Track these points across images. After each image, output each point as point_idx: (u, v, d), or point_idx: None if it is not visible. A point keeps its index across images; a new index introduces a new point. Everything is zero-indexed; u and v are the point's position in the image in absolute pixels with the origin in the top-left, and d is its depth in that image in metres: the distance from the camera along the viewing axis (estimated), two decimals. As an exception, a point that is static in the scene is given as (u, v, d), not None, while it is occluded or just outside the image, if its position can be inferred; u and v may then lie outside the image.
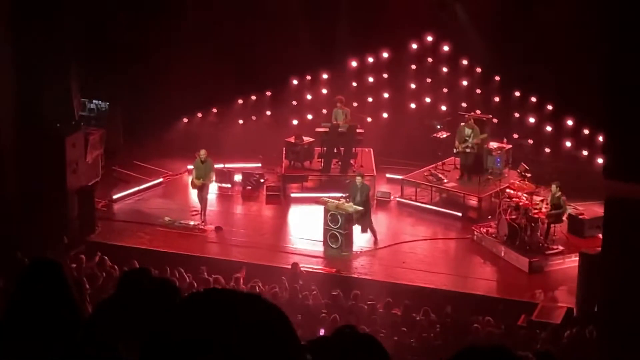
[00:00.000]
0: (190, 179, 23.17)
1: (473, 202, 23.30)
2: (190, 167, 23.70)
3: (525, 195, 21.17)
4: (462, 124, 23.72)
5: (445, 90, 25.98)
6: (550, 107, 24.54)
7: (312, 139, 24.52)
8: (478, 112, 24.25)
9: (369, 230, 21.76)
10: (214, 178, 23.10)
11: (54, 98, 23.05)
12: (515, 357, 2.82)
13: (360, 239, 21.72)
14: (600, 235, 19.45)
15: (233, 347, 2.21)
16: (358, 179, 21.75)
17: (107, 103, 25.95)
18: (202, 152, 22.55)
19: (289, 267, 20.08)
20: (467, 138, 23.52)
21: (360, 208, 21.34)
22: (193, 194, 23.56)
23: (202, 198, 22.74)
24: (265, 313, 2.31)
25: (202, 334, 2.24)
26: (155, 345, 2.29)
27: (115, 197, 23.91)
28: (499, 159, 23.65)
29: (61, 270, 4.56)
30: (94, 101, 25.84)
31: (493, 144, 23.88)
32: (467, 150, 23.53)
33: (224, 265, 20.27)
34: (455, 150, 23.87)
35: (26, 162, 21.94)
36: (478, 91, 25.60)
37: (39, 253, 19.11)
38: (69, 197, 21.65)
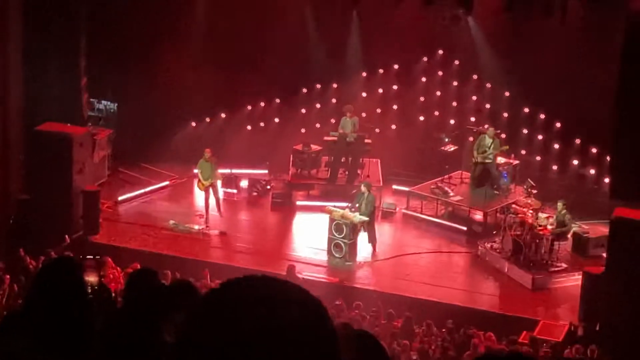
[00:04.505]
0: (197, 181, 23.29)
1: (478, 216, 23.27)
2: (196, 170, 23.70)
3: (530, 211, 21.15)
4: (482, 135, 23.58)
5: (454, 104, 25.98)
6: (558, 125, 24.54)
7: (319, 148, 24.53)
8: (486, 126, 24.22)
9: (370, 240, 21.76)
10: (220, 177, 23.18)
11: (63, 97, 23.10)
12: None
13: (365, 250, 21.71)
14: (604, 255, 19.43)
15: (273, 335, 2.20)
16: (363, 188, 21.71)
17: (116, 104, 25.96)
18: (206, 151, 22.71)
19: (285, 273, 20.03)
20: (486, 149, 23.37)
21: (366, 218, 21.32)
22: (199, 197, 23.59)
23: (214, 198, 22.87)
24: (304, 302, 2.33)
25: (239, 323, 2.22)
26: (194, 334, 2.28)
27: (120, 198, 23.91)
28: (505, 174, 23.63)
29: (79, 270, 4.60)
30: (102, 101, 25.84)
31: (500, 159, 23.83)
32: (487, 160, 23.37)
33: (227, 270, 20.23)
34: (474, 161, 23.65)
35: (33, 160, 21.98)
36: (487, 106, 25.60)
37: (42, 252, 19.20)
38: (74, 197, 21.65)
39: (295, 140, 25.06)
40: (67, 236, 20.94)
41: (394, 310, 18.58)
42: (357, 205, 21.51)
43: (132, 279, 6.07)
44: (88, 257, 11.16)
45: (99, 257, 15.81)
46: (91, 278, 9.84)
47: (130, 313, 4.51)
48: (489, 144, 23.35)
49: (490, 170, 23.38)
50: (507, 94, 25.23)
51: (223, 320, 2.23)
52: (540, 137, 24.91)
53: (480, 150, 23.40)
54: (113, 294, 14.33)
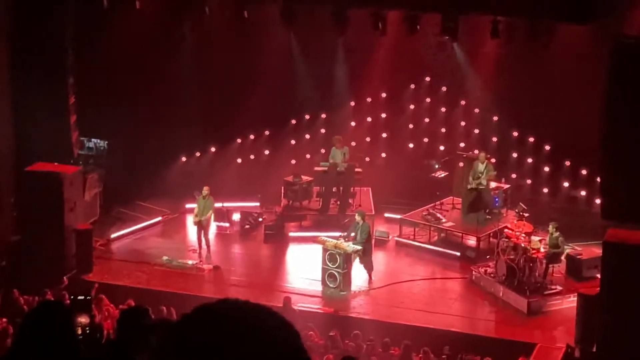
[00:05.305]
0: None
1: (471, 241, 23.27)
2: (188, 205, 23.68)
3: (523, 235, 21.15)
4: (475, 161, 23.65)
5: (443, 130, 26.03)
6: (547, 148, 24.59)
7: (310, 178, 24.55)
8: (476, 152, 24.28)
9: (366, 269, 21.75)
10: (211, 217, 23.13)
11: (53, 136, 23.10)
12: None
13: (359, 279, 21.67)
14: (599, 276, 19.40)
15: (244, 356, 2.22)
16: (358, 217, 21.72)
17: (106, 142, 25.95)
18: (205, 189, 22.73)
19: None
20: (480, 174, 23.44)
21: (359, 247, 21.31)
22: (191, 232, 23.57)
23: (204, 237, 22.81)
24: (277, 324, 2.34)
25: (214, 342, 2.22)
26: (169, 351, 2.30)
27: (113, 236, 23.87)
28: (497, 199, 23.67)
29: (67, 313, 4.60)
30: (92, 139, 25.82)
31: (491, 184, 23.87)
32: (481, 187, 23.44)
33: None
34: (468, 187, 23.69)
35: (24, 201, 21.95)
36: (476, 131, 25.65)
37: (36, 292, 19.14)
38: (66, 236, 21.60)
39: (286, 171, 25.09)
40: (65, 277, 20.92)
41: (390, 339, 18.54)
42: (352, 234, 21.52)
43: (122, 316, 6.09)
44: (79, 296, 11.18)
45: (90, 296, 15.74)
46: (82, 319, 9.81)
47: (115, 349, 4.52)
48: (482, 170, 23.41)
49: (484, 195, 23.43)
50: (495, 118, 25.31)
51: (195, 346, 2.24)
52: (530, 160, 24.96)
53: (475, 177, 23.45)
54: (109, 332, 14.31)
